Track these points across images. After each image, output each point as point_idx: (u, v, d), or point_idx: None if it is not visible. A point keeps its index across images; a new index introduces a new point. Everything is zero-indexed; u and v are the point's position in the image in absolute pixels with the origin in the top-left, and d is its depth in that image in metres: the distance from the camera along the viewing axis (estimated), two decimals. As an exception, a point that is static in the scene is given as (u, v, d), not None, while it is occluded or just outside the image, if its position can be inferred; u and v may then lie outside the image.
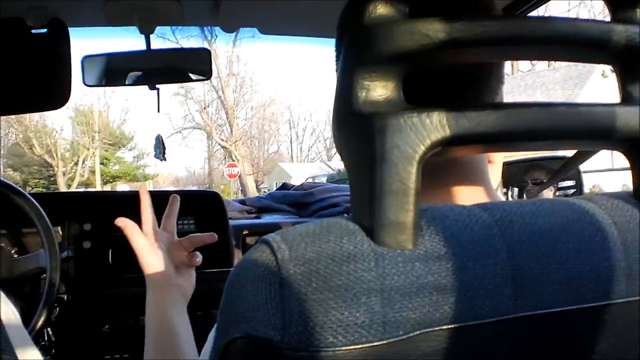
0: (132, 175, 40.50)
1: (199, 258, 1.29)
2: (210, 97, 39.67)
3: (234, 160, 37.60)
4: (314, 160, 47.30)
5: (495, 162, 0.79)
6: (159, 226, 1.31)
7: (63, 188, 32.65)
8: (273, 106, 47.29)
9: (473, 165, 0.74)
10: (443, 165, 0.72)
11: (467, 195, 0.73)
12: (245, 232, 2.32)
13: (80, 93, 34.61)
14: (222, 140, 40.53)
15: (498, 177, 0.80)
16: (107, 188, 36.36)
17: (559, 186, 2.48)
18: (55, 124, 40.54)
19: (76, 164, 37.37)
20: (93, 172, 38.82)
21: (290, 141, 50.31)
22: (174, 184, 48.09)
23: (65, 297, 2.09)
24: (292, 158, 48.72)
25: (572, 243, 0.58)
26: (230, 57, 39.88)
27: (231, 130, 39.92)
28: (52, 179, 36.45)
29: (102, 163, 39.14)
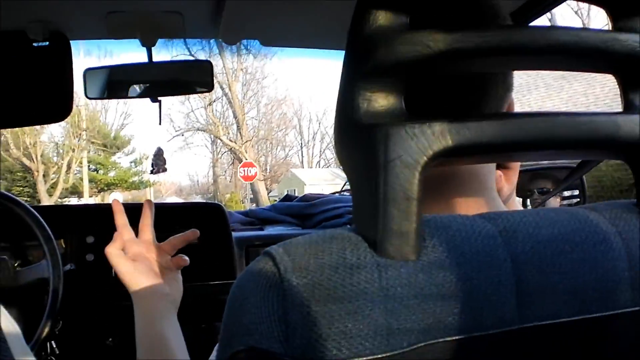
0: (129, 183, 37.01)
1: (184, 259, 1.27)
2: (215, 94, 35.74)
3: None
4: (328, 166, 43.83)
5: (512, 168, 0.79)
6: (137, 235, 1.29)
7: (44, 197, 29.24)
8: (284, 106, 43.45)
9: (477, 175, 0.74)
10: (446, 176, 0.72)
11: (470, 206, 0.73)
12: (249, 243, 2.31)
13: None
14: (231, 141, 36.99)
15: (514, 184, 0.80)
16: (99, 198, 34.43)
17: (564, 195, 2.48)
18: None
19: (61, 167, 32.43)
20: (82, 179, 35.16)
21: (301, 146, 46.03)
22: (177, 194, 45.89)
23: (69, 310, 2.09)
24: (302, 164, 45.27)
25: (576, 253, 0.57)
26: (239, 49, 34.95)
27: (239, 130, 36.29)
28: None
29: (95, 169, 36.20)
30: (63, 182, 31.56)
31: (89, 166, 35.26)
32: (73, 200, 31.77)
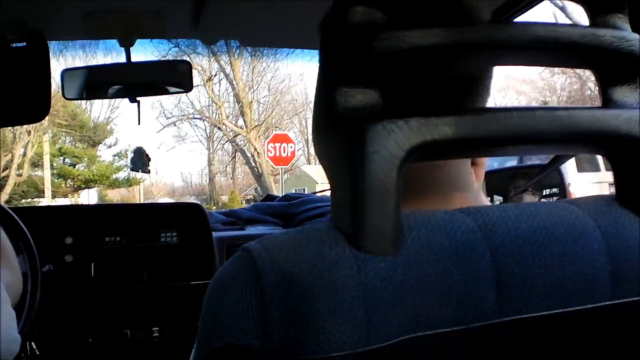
0: (111, 180, 31.04)
1: None
2: (214, 69, 27.76)
3: (253, 158, 27.43)
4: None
5: (480, 164, 0.79)
6: None
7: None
8: (293, 91, 33.10)
9: (456, 171, 0.74)
10: (426, 173, 0.72)
11: (452, 203, 0.73)
12: (229, 243, 2.31)
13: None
14: (236, 126, 29.39)
15: (481, 179, 0.80)
16: (74, 198, 28.54)
17: (543, 194, 2.50)
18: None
19: (13, 156, 24.52)
20: (57, 174, 28.69)
21: (306, 142, 37.06)
22: (169, 195, 41.60)
23: (49, 310, 2.08)
24: (308, 160, 36.47)
25: (555, 247, 0.58)
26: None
27: (242, 116, 28.59)
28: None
29: (71, 163, 30.06)
30: (16, 175, 24.77)
31: (63, 159, 30.18)
32: (36, 202, 25.90)
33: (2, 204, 1.84)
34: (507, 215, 0.59)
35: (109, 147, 33.48)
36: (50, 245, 2.14)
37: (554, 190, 2.49)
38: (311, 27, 0.77)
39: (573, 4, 0.65)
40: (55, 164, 29.21)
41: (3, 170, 24.17)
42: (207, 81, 27.47)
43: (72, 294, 2.15)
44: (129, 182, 31.80)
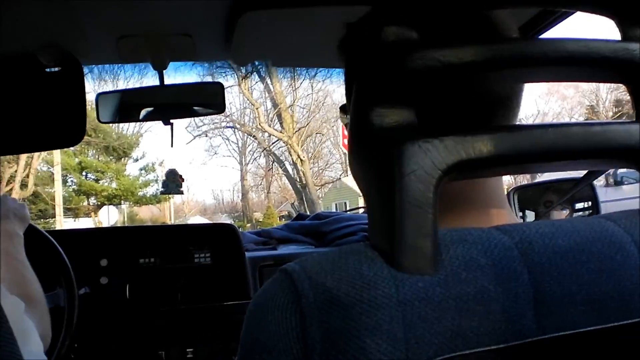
0: (137, 197, 28.96)
1: None
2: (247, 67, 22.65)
3: (295, 167, 25.22)
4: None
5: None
6: None
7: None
8: (335, 95, 28.63)
9: (492, 188, 0.74)
10: (463, 191, 0.72)
11: (489, 220, 0.72)
12: (262, 263, 2.32)
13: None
14: (276, 130, 26.00)
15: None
16: (96, 218, 25.40)
17: (575, 208, 2.47)
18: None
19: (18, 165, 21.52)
20: (78, 190, 26.59)
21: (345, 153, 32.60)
22: (200, 213, 39.77)
23: (84, 332, 2.09)
24: (346, 171, 31.56)
25: (592, 263, 0.57)
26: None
27: (280, 121, 25.49)
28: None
29: (95, 179, 27.86)
30: (19, 188, 21.64)
31: (85, 175, 27.85)
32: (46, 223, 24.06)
33: (42, 230, 1.86)
34: (544, 232, 0.59)
35: (136, 160, 31.44)
36: (86, 267, 2.16)
37: (587, 204, 2.46)
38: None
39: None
40: (75, 180, 27.73)
41: (7, 185, 21.08)
42: (242, 79, 24.05)
43: (108, 316, 2.16)
44: (157, 199, 30.00)
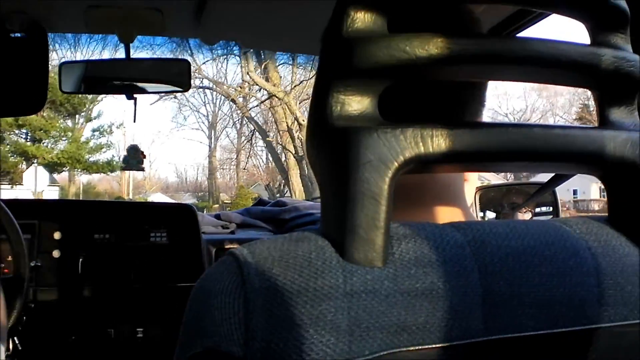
0: (87, 163, 24.54)
1: None
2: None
3: (290, 132, 19.91)
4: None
5: (470, 180, 0.78)
6: None
7: None
8: None
9: (449, 184, 0.74)
10: (418, 184, 0.71)
11: (442, 215, 0.72)
12: (219, 247, 2.30)
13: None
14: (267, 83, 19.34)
15: (472, 197, 0.79)
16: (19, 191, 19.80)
17: (536, 212, 2.50)
18: None
19: None
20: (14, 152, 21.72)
21: None
22: (162, 190, 37.27)
23: (33, 305, 2.06)
24: None
25: (545, 266, 0.57)
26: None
27: (267, 75, 19.31)
28: None
29: (34, 139, 23.06)
30: None
31: (26, 133, 23.24)
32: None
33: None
34: (498, 231, 0.58)
35: (89, 120, 27.18)
36: (39, 239, 2.12)
37: (548, 208, 2.49)
38: (312, 33, 0.76)
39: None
40: (8, 140, 22.87)
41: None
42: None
43: (59, 290, 2.13)
44: (110, 167, 25.91)
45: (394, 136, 0.54)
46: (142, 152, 3.82)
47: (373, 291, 0.52)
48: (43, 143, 23.83)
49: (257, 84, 19.54)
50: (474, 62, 0.56)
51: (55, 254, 2.14)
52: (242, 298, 0.52)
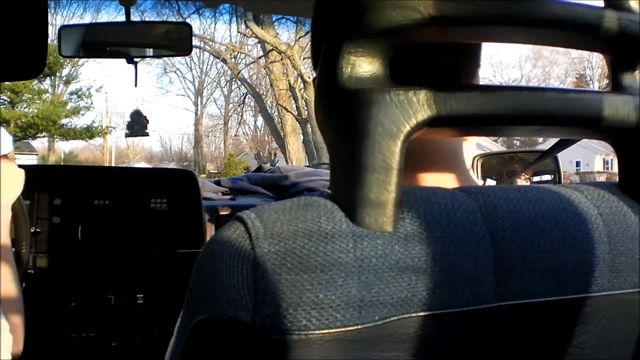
0: (61, 128, 22.55)
1: None
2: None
3: (292, 93, 18.30)
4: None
5: (470, 140, 0.77)
6: None
7: None
8: None
9: (449, 149, 0.73)
10: (417, 150, 0.70)
11: (450, 181, 0.71)
12: (220, 213, 2.30)
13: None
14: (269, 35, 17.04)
15: (470, 156, 0.79)
16: None
17: (534, 180, 2.49)
18: None
19: None
20: None
21: None
22: (146, 160, 36.29)
23: (32, 272, 2.06)
24: None
25: (556, 232, 0.56)
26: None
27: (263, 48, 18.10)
28: None
29: (9, 100, 20.89)
30: None
31: None
32: None
33: None
34: (509, 197, 0.58)
35: (67, 82, 25.04)
36: (39, 205, 2.12)
37: (548, 177, 2.48)
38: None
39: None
40: None
41: None
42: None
43: (58, 257, 2.13)
44: (89, 133, 23.90)
45: (407, 98, 0.53)
46: (146, 117, 3.79)
47: (383, 256, 0.51)
48: (16, 107, 21.85)
49: (255, 36, 17.41)
50: (488, 23, 0.55)
51: (55, 220, 2.14)
52: (250, 262, 0.52)
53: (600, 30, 0.57)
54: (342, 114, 0.55)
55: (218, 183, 2.71)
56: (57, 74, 23.77)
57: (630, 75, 0.62)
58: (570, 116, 0.57)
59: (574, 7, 0.56)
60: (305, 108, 17.80)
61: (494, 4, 0.55)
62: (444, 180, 0.71)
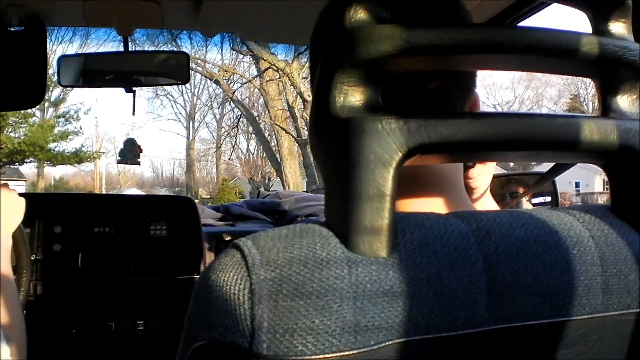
0: (49, 153, 21.72)
1: None
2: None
3: (291, 112, 17.77)
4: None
5: (488, 163, 0.77)
6: None
7: None
8: None
9: (444, 173, 0.73)
10: (415, 174, 0.71)
11: (437, 205, 0.72)
12: (219, 239, 2.30)
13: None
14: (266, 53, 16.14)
15: (488, 180, 0.79)
16: None
17: (534, 202, 2.50)
18: None
19: None
20: None
21: None
22: (138, 186, 35.83)
23: (33, 299, 2.06)
24: None
25: (549, 255, 0.57)
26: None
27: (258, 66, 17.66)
28: None
29: None
30: None
31: None
32: None
33: None
34: (501, 221, 0.58)
35: (54, 104, 24.46)
36: (40, 233, 2.12)
37: (547, 198, 2.48)
38: (312, 25, 0.76)
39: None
40: None
41: None
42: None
43: (58, 284, 2.13)
44: (77, 158, 23.05)
45: (399, 126, 0.54)
46: (139, 146, 3.80)
47: (378, 282, 0.52)
48: (1, 131, 21.00)
49: (252, 53, 16.54)
50: (476, 51, 0.56)
51: (55, 247, 2.14)
52: (247, 289, 0.52)
53: (588, 56, 0.58)
54: (336, 142, 0.56)
55: (217, 209, 2.72)
56: (45, 97, 22.54)
57: (619, 100, 0.63)
58: (560, 141, 0.58)
59: (559, 34, 0.57)
60: (305, 128, 16.63)
61: (481, 33, 0.56)
62: (437, 204, 0.72)
